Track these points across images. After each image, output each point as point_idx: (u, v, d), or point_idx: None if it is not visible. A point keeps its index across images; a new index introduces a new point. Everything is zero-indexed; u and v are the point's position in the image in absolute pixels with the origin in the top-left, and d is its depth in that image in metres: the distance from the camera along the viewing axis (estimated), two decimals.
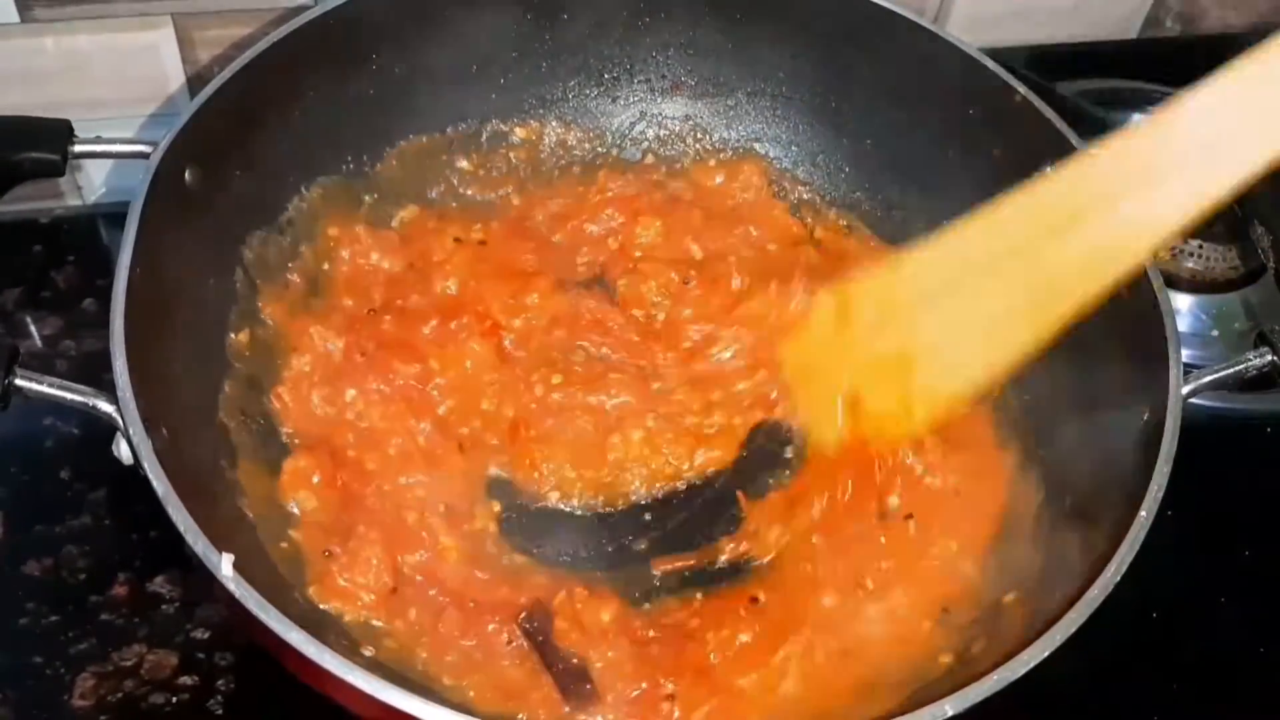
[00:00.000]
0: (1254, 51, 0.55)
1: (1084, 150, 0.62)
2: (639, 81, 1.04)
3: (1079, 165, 0.62)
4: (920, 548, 0.82)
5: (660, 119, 1.05)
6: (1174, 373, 0.74)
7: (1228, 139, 0.56)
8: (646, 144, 1.06)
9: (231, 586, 0.61)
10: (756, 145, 1.05)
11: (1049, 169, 0.62)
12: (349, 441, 0.83)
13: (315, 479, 0.80)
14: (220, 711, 0.76)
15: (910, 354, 0.68)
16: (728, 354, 0.93)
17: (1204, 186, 0.57)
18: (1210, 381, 0.76)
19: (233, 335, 0.84)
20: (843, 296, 0.71)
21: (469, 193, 1.00)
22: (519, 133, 1.02)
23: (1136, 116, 1.18)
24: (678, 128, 1.05)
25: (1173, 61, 1.18)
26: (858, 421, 0.71)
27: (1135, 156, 0.59)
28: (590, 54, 1.02)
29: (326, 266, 0.91)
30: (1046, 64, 1.14)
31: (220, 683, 0.77)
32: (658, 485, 0.87)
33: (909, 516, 0.83)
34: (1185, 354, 0.76)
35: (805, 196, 1.04)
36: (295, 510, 0.79)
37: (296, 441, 0.83)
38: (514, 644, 0.75)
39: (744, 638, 0.77)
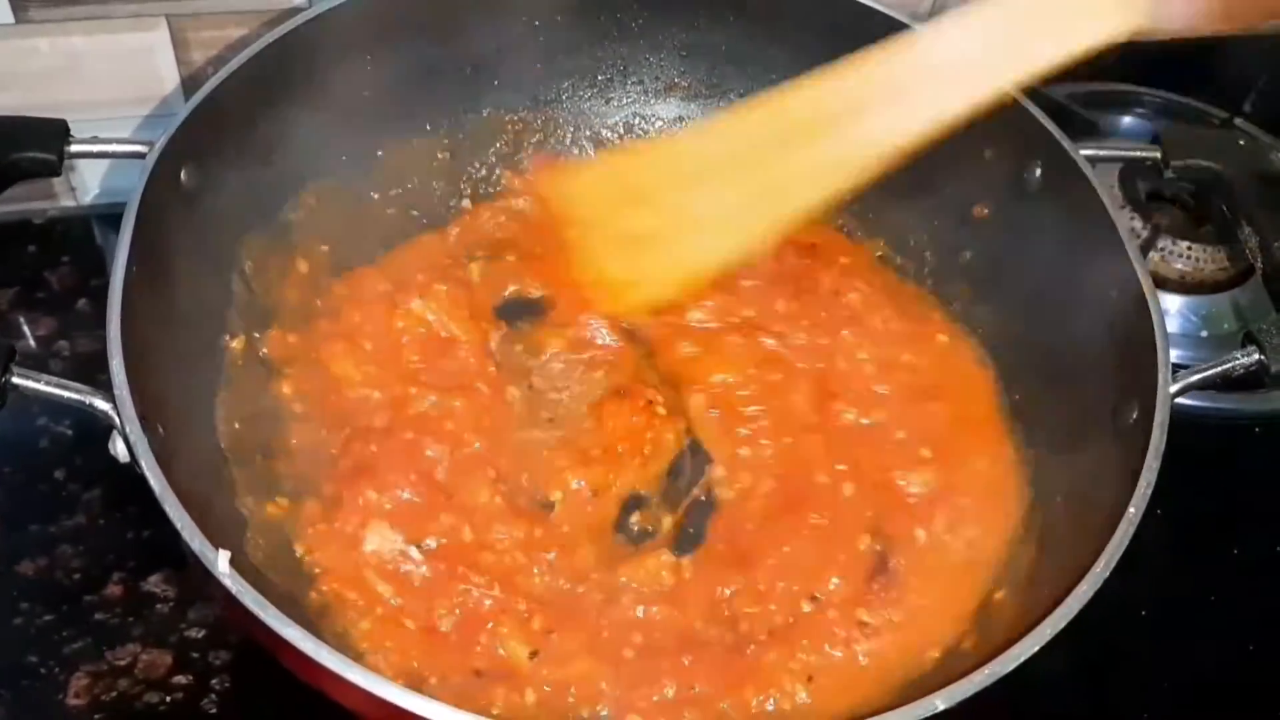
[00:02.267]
0: None
1: (834, 65, 0.69)
2: (632, 83, 1.05)
3: (830, 78, 0.69)
4: None
5: (654, 120, 1.06)
6: (1162, 372, 0.74)
7: (963, 68, 0.65)
8: None
9: (228, 583, 0.61)
10: None
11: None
12: None
13: None
14: (215, 711, 0.76)
15: (650, 232, 0.75)
16: None
17: (936, 109, 0.66)
18: (1198, 381, 0.76)
19: (227, 338, 0.84)
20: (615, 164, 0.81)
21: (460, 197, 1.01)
22: (512, 133, 1.03)
23: (1126, 119, 1.19)
24: (671, 129, 1.06)
25: (1162, 64, 1.18)
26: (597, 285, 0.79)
27: (881, 76, 0.68)
28: (585, 55, 1.03)
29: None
30: None
31: (215, 681, 0.78)
32: None
33: None
34: (1174, 354, 0.77)
35: None
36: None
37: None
38: None
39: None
